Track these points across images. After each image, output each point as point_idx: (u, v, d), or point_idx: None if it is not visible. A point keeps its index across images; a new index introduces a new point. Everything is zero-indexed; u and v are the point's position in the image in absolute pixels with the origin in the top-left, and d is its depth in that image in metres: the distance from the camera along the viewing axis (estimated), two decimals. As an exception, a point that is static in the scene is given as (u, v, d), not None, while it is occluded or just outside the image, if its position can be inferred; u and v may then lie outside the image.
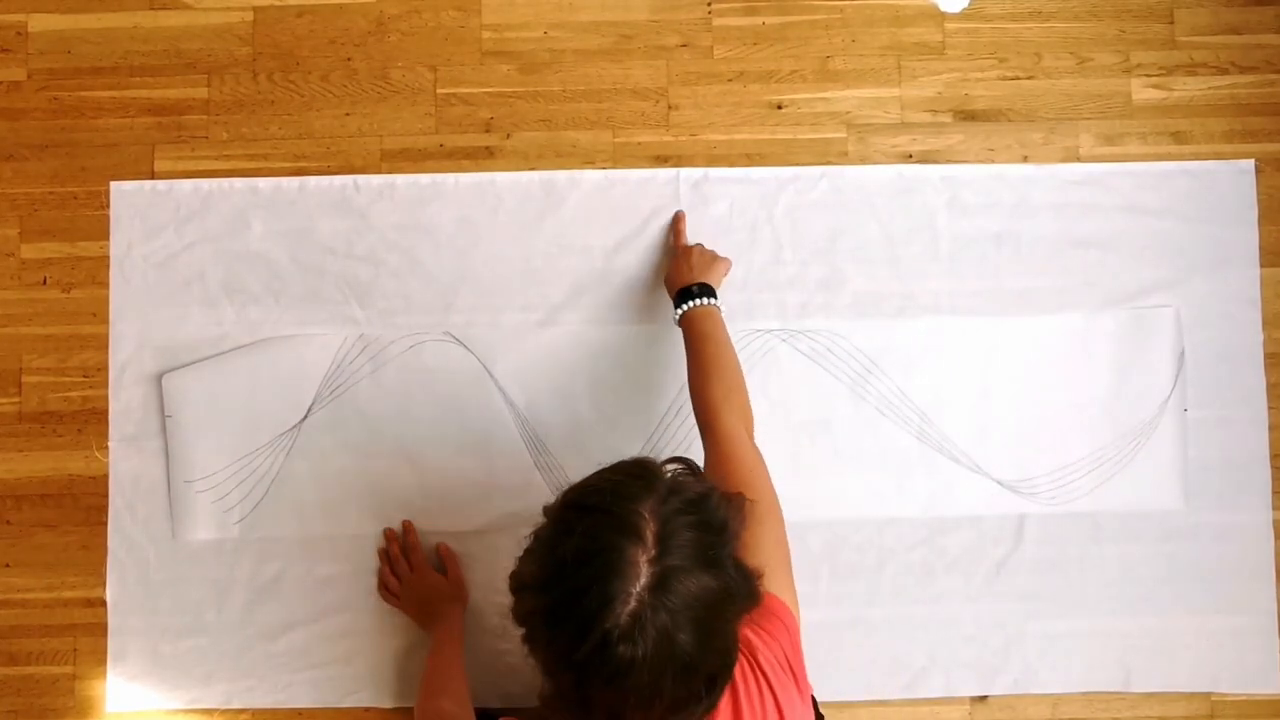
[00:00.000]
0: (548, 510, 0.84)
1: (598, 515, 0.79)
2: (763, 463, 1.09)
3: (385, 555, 1.36)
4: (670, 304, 1.30)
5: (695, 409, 1.17)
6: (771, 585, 0.93)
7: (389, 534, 1.37)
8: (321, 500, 1.39)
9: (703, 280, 1.28)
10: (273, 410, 1.39)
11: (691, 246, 1.36)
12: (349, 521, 1.38)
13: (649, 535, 0.77)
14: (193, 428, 1.39)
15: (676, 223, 1.40)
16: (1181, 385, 1.42)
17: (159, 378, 1.40)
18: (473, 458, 1.39)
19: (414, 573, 1.33)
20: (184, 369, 1.40)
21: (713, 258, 1.34)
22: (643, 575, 0.75)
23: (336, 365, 1.40)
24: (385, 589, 1.35)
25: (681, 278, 1.30)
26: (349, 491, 1.39)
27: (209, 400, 1.39)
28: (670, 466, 0.87)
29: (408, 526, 1.37)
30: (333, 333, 1.41)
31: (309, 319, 1.41)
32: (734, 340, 1.39)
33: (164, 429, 1.39)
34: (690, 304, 1.26)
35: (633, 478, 0.82)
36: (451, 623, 1.28)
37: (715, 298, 1.27)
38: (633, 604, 0.74)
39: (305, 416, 1.39)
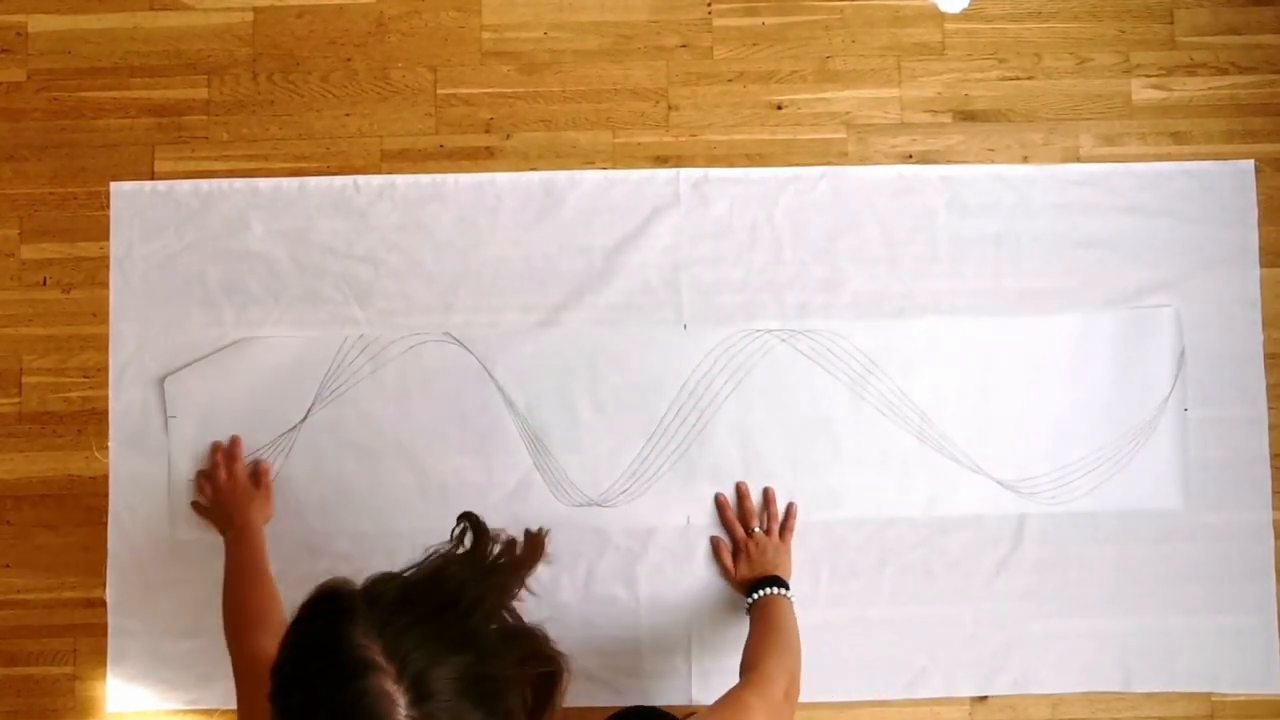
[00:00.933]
0: (271, 700, 0.76)
1: (322, 678, 0.72)
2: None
3: (202, 474, 1.38)
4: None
5: (742, 667, 1.14)
6: None
7: (215, 445, 1.38)
8: (321, 500, 1.39)
9: (774, 573, 1.32)
10: (273, 411, 1.39)
11: (753, 539, 1.36)
12: (349, 521, 1.38)
13: (379, 658, 0.71)
14: (194, 429, 1.39)
15: (724, 515, 1.39)
16: (1181, 385, 1.42)
17: (159, 378, 1.40)
18: (472, 457, 1.39)
19: (229, 480, 1.35)
20: (185, 371, 1.40)
21: (774, 550, 1.35)
22: (399, 699, 0.69)
23: (336, 366, 1.40)
24: (199, 498, 1.37)
25: (745, 574, 1.34)
26: (349, 491, 1.39)
27: (210, 401, 1.39)
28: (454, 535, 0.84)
29: (235, 439, 1.38)
30: (333, 333, 1.41)
31: (309, 319, 1.41)
32: (734, 341, 1.40)
33: (165, 430, 1.39)
34: (762, 592, 1.28)
35: (327, 615, 0.76)
36: (254, 531, 1.29)
37: (787, 589, 1.29)
38: None
39: (305, 417, 1.39)
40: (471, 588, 0.79)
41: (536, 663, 0.80)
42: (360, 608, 0.75)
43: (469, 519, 0.87)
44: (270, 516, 1.37)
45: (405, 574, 0.81)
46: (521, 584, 0.86)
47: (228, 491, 1.35)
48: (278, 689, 0.74)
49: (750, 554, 1.35)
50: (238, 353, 1.40)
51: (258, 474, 1.38)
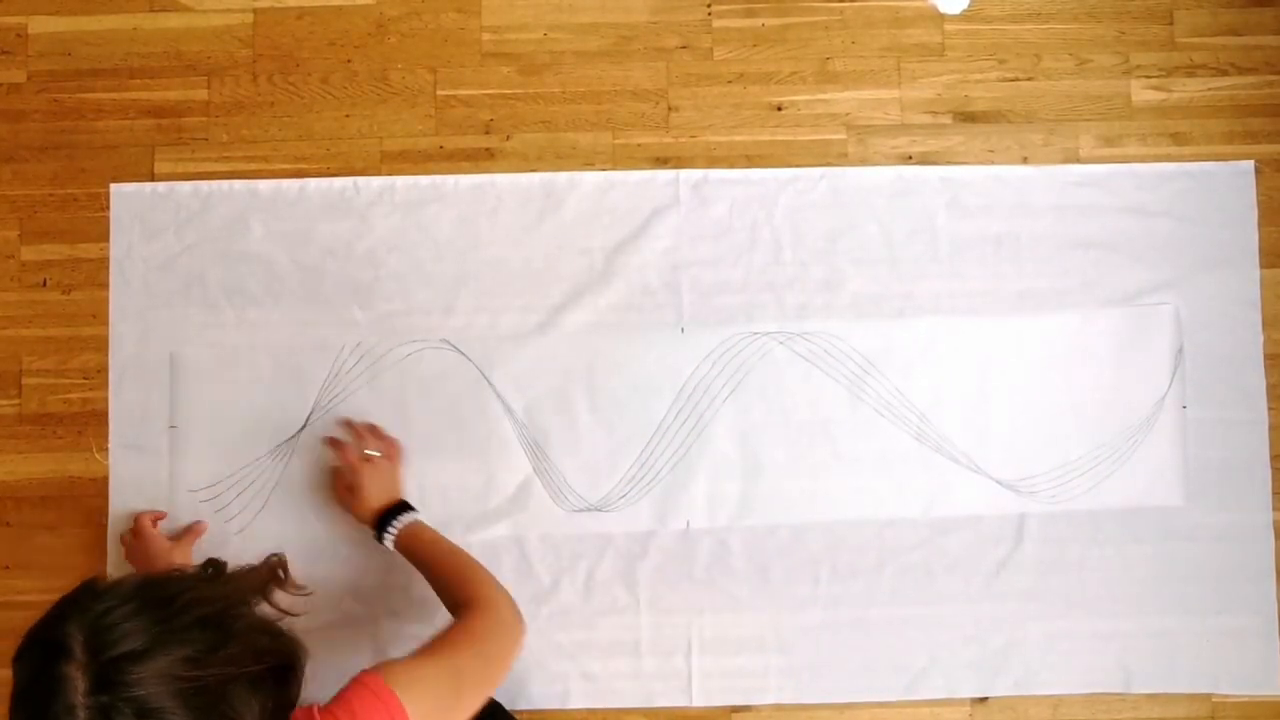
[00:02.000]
0: None
1: (24, 654, 0.81)
2: (506, 630, 1.09)
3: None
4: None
5: (452, 606, 1.15)
6: (412, 695, 0.92)
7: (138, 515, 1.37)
8: (320, 507, 1.38)
9: (392, 499, 1.28)
10: (272, 420, 1.39)
11: (362, 465, 1.30)
12: (349, 527, 1.38)
13: (76, 646, 0.78)
14: (195, 439, 1.39)
15: (336, 445, 1.34)
16: (1180, 381, 1.42)
17: (159, 380, 1.40)
18: (472, 463, 1.39)
19: (135, 537, 1.33)
20: (185, 381, 1.40)
21: (389, 471, 1.31)
22: (79, 682, 0.76)
23: (335, 374, 1.40)
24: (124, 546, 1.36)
25: (369, 504, 1.27)
26: (349, 496, 1.39)
27: (210, 411, 1.39)
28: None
29: (158, 516, 1.37)
30: (332, 335, 1.41)
31: (309, 321, 1.41)
32: (732, 344, 1.40)
33: (167, 435, 1.39)
34: (395, 526, 1.24)
35: (61, 603, 0.83)
36: None
37: (411, 509, 1.26)
38: (81, 714, 0.76)
39: (304, 425, 1.39)
40: (191, 592, 0.85)
41: (256, 660, 0.85)
42: (87, 600, 0.82)
43: (210, 562, 0.96)
44: (189, 563, 1.33)
45: (153, 574, 0.88)
46: (258, 599, 0.94)
47: (135, 549, 1.33)
48: (12, 659, 0.83)
49: (372, 480, 1.29)
50: (237, 362, 1.40)
51: (191, 531, 1.36)
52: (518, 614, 1.12)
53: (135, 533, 1.35)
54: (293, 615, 0.97)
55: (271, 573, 1.00)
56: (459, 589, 1.15)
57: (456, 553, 1.22)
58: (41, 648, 0.80)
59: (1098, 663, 1.40)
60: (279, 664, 0.88)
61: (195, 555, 1.36)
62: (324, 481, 1.38)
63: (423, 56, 1.46)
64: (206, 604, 0.85)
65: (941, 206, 1.43)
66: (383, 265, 1.42)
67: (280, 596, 1.00)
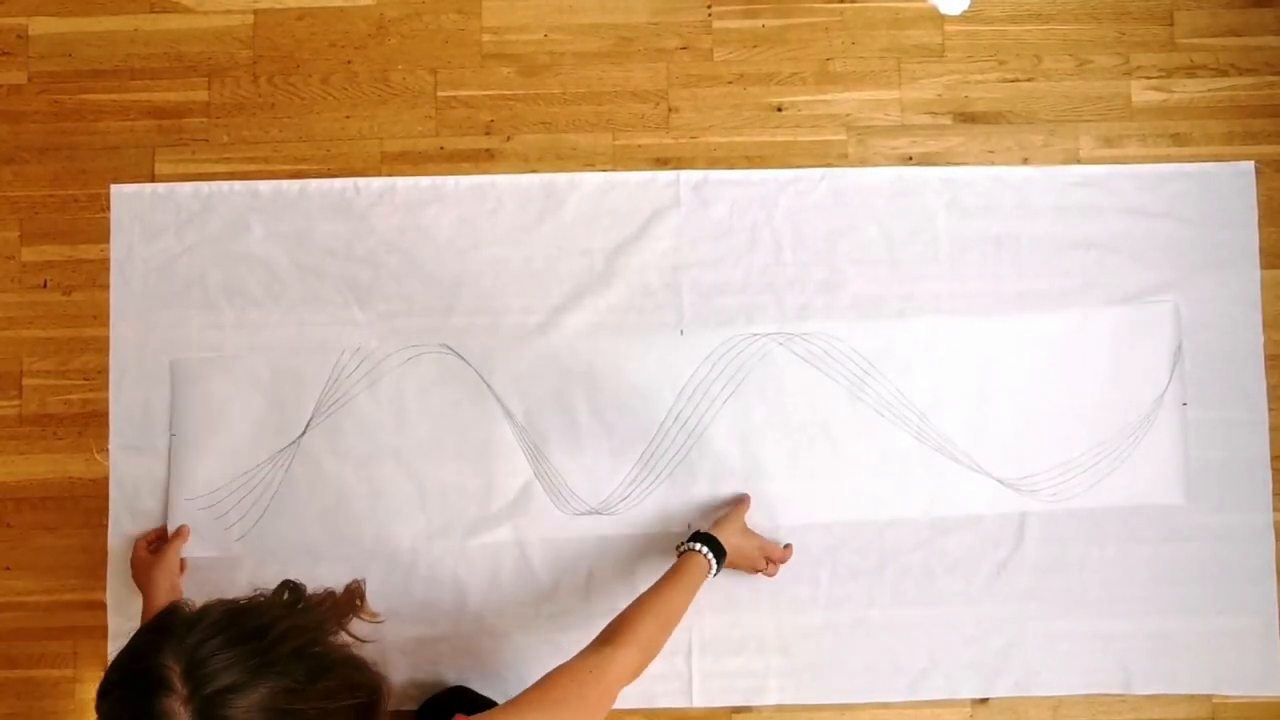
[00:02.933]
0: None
1: (121, 690, 0.79)
2: (605, 694, 1.03)
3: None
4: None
5: (621, 614, 1.13)
6: None
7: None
8: (321, 513, 1.39)
9: (715, 534, 1.27)
10: (272, 425, 1.39)
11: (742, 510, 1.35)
12: (348, 531, 1.38)
13: (175, 679, 0.76)
14: (194, 446, 1.39)
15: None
16: (1179, 378, 1.42)
17: (160, 381, 1.40)
18: (472, 467, 1.39)
19: (137, 551, 1.35)
20: (185, 386, 1.40)
21: (748, 536, 1.34)
22: (183, 717, 0.75)
23: (334, 379, 1.40)
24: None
25: (720, 525, 1.31)
26: (348, 503, 1.39)
27: (210, 418, 1.39)
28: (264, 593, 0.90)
29: (150, 538, 1.38)
30: (332, 337, 1.40)
31: (309, 321, 1.41)
32: (732, 345, 1.40)
33: (167, 440, 1.39)
34: (686, 547, 1.25)
35: (148, 631, 0.82)
36: (151, 595, 1.29)
37: (715, 554, 1.25)
38: None
39: (304, 431, 1.39)
40: (282, 622, 0.84)
41: (351, 693, 0.84)
42: (178, 629, 0.80)
43: (288, 585, 0.93)
44: (172, 569, 1.33)
45: (238, 600, 0.86)
46: (337, 627, 0.93)
47: (133, 573, 1.35)
48: (98, 693, 0.81)
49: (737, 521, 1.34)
50: (237, 368, 1.40)
51: (177, 535, 1.36)
52: (635, 674, 1.08)
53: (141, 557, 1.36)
54: (366, 642, 0.96)
55: (351, 600, 0.99)
56: (628, 620, 1.11)
57: (676, 599, 1.18)
58: (136, 681, 0.78)
59: (1098, 663, 1.40)
60: (367, 700, 0.86)
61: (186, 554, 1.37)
62: (326, 488, 1.38)
63: (423, 57, 1.46)
64: (299, 634, 0.83)
65: (942, 207, 1.43)
66: (383, 266, 1.42)
67: (356, 624, 0.99)
